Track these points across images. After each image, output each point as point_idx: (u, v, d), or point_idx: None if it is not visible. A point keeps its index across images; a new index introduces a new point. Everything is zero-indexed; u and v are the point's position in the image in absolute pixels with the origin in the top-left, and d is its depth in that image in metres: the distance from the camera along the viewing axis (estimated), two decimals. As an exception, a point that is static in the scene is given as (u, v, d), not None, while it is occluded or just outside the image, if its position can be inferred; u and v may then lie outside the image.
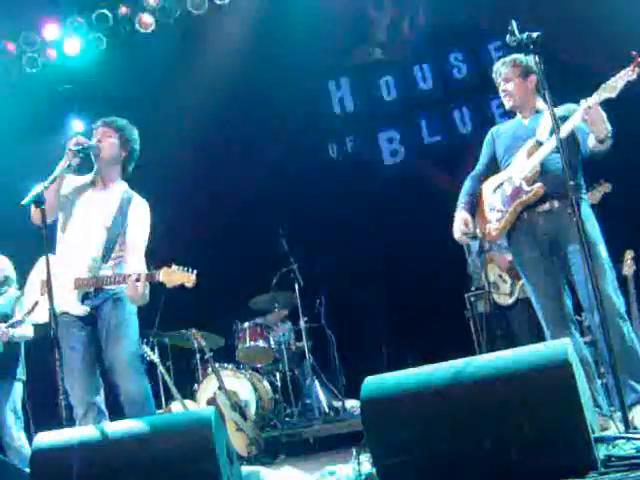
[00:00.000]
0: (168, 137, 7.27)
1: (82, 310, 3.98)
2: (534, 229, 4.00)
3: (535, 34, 3.57)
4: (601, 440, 2.80)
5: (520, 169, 4.03)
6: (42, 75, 7.53)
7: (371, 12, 7.77)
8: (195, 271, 3.84)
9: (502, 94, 4.19)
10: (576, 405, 2.64)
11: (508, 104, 4.18)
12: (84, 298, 3.99)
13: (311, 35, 7.41)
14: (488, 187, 4.27)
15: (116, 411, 4.08)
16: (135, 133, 4.27)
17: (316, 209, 7.94)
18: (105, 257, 4.03)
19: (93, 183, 4.23)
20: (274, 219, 7.77)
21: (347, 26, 7.64)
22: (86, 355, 3.98)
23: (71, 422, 3.74)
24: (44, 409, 3.80)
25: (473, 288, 6.57)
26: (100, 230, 4.09)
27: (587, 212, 3.94)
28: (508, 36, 3.65)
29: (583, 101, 3.77)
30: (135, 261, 4.01)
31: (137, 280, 3.81)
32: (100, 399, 4.03)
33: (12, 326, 5.35)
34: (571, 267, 3.87)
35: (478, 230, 4.26)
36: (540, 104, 4.11)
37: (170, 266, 3.84)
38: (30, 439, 5.29)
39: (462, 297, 6.65)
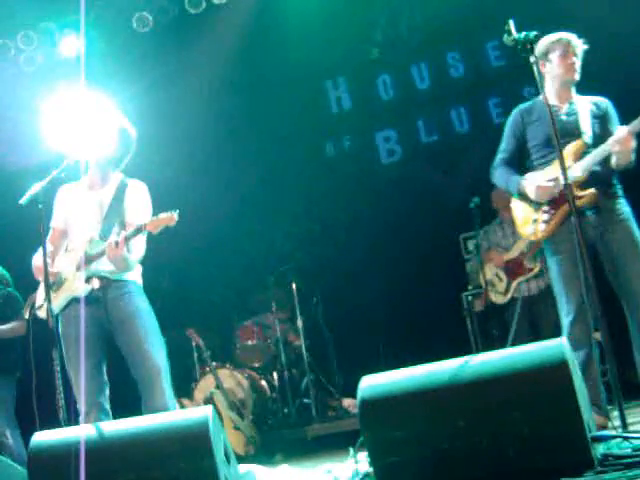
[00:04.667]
0: (165, 136, 7.25)
1: (85, 287, 3.96)
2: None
3: (532, 34, 3.58)
4: (598, 439, 2.81)
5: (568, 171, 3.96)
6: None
7: (368, 11, 7.76)
8: (177, 210, 3.84)
9: (573, 66, 4.07)
10: (573, 404, 2.64)
11: (577, 77, 4.07)
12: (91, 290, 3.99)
13: (308, 34, 7.41)
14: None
15: (121, 409, 4.07)
16: (128, 131, 4.27)
17: (313, 208, 7.94)
18: (102, 238, 4.00)
19: (89, 184, 4.25)
20: (271, 218, 7.78)
21: (344, 25, 7.63)
22: (91, 352, 3.91)
23: (72, 421, 3.72)
24: (50, 407, 3.77)
25: (471, 287, 6.59)
26: (97, 213, 4.12)
27: (629, 212, 4.01)
28: (505, 35, 3.65)
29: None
30: (137, 239, 4.00)
31: (116, 244, 3.83)
32: (105, 398, 3.99)
33: None
34: (615, 257, 3.92)
35: (520, 229, 4.21)
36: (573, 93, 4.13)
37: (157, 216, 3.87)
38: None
39: (459, 296, 6.67)
